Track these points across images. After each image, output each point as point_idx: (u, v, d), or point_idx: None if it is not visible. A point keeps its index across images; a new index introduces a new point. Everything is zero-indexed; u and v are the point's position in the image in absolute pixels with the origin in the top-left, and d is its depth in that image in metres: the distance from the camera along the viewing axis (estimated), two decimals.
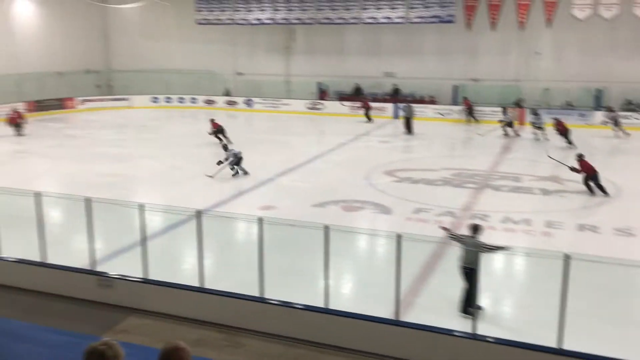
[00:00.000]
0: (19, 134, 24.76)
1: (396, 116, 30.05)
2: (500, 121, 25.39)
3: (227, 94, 34.92)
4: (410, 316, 8.45)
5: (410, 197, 15.39)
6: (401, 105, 28.21)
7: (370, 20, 30.64)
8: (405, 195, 15.61)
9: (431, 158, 20.96)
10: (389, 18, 30.21)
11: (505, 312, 9.70)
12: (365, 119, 29.06)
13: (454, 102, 30.13)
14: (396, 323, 8.01)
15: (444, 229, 9.88)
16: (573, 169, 15.90)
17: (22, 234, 11.46)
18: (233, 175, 17.54)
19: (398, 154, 21.45)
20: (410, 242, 8.54)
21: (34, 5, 32.97)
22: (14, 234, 11.39)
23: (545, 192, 16.10)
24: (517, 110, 27.94)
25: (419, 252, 10.74)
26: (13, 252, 10.43)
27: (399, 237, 7.88)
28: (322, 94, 32.76)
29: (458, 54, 30.42)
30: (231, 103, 33.26)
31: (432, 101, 30.53)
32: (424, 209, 14.34)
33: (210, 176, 17.23)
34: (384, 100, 31.37)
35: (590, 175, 15.64)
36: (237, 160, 17.56)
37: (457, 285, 9.07)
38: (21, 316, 8.84)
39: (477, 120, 28.36)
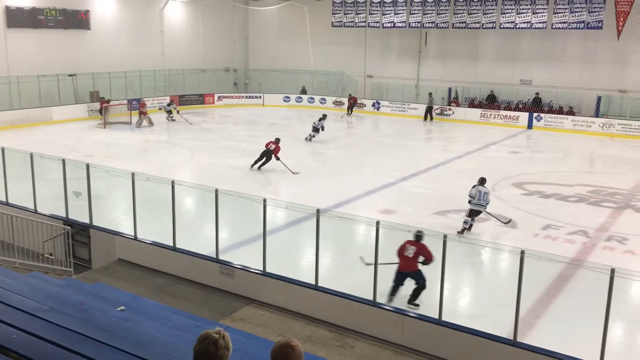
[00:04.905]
0: (139, 124, 26.92)
1: (530, 126, 28.57)
2: None
3: (304, 92, 35.69)
4: (530, 338, 7.98)
5: (540, 213, 14.54)
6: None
7: (508, 25, 29.35)
8: (533, 210, 14.78)
9: (566, 172, 19.63)
10: (528, 23, 28.75)
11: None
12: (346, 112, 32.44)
13: (597, 114, 28.00)
14: (513, 344, 7.60)
15: None
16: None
17: (157, 218, 12.40)
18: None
19: (529, 166, 20.31)
20: (535, 260, 8.08)
21: (182, 7, 35.46)
22: (150, 218, 12.35)
23: None
24: None
25: (545, 272, 10.15)
26: (148, 234, 11.27)
27: (522, 254, 7.48)
28: (452, 100, 31.99)
29: (604, 63, 28.16)
30: (360, 105, 33.45)
31: (572, 112, 28.61)
32: (554, 225, 13.49)
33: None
34: (518, 109, 29.93)
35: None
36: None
37: (583, 310, 8.44)
38: (151, 295, 9.54)
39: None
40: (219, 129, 27.17)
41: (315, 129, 23.39)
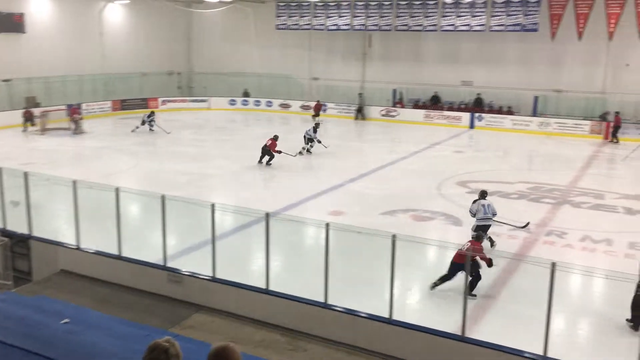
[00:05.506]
0: (75, 132, 25.70)
1: (472, 126, 29.34)
2: None
3: (247, 95, 35.70)
4: (477, 333, 8.19)
5: None
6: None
7: (449, 28, 30.08)
8: None
9: (508, 171, 20.29)
10: (468, 25, 29.56)
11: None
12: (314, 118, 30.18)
13: (535, 113, 29.06)
14: (461, 339, 7.78)
15: None
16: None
17: (101, 226, 12.05)
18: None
19: (472, 165, 20.88)
20: None
21: (123, 9, 34.64)
22: (94, 227, 11.99)
23: (630, 211, 15.23)
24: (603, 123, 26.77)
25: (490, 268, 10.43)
26: (92, 244, 10.94)
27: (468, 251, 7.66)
28: (397, 101, 32.50)
29: (540, 64, 29.28)
30: (305, 107, 33.53)
31: (511, 112, 29.57)
32: (497, 222, 13.86)
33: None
34: (460, 110, 30.70)
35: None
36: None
37: (527, 303, 8.70)
38: (96, 306, 9.25)
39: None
40: (164, 134, 26.65)
41: (310, 140, 21.83)
